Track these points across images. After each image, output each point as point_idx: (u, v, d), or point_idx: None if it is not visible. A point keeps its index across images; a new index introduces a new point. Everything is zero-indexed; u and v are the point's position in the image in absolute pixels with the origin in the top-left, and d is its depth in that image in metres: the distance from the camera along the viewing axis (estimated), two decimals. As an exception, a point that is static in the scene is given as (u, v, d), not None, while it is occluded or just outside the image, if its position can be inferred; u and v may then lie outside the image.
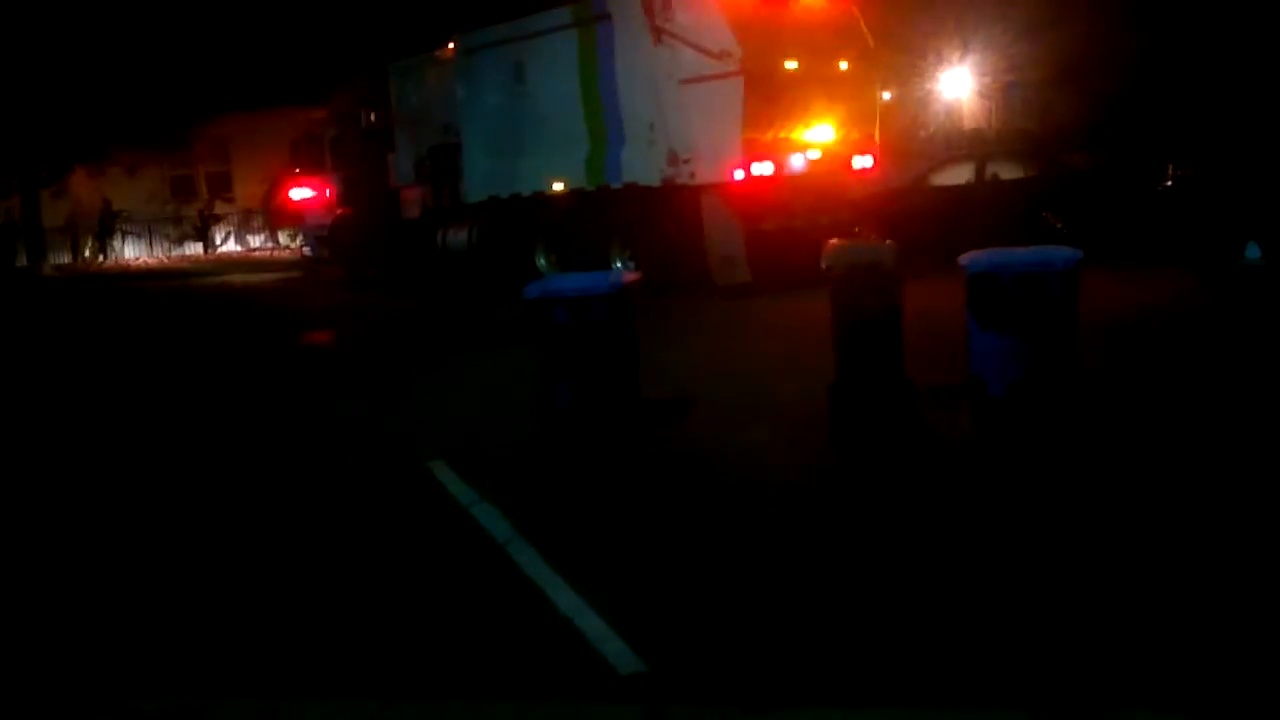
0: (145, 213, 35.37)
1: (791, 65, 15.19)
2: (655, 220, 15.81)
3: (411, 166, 20.72)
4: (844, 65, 15.83)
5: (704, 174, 15.14)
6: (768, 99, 14.91)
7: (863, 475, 7.07)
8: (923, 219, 15.25)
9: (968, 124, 22.73)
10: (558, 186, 17.31)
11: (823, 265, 8.03)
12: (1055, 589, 4.96)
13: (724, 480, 7.03)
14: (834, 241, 8.20)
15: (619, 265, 15.99)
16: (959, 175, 17.28)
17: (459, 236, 19.51)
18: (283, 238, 34.88)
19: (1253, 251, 7.10)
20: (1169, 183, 16.98)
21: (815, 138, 15.54)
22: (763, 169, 14.97)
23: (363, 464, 8.19)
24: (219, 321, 18.55)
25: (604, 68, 16.32)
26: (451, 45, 19.31)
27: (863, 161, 16.06)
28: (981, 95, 23.19)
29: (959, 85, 22.83)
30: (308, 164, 23.75)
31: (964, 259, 7.58)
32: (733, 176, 14.88)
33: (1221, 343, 7.29)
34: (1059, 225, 16.11)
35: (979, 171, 17.22)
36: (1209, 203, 7.86)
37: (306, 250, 25.44)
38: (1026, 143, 18.36)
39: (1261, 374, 8.07)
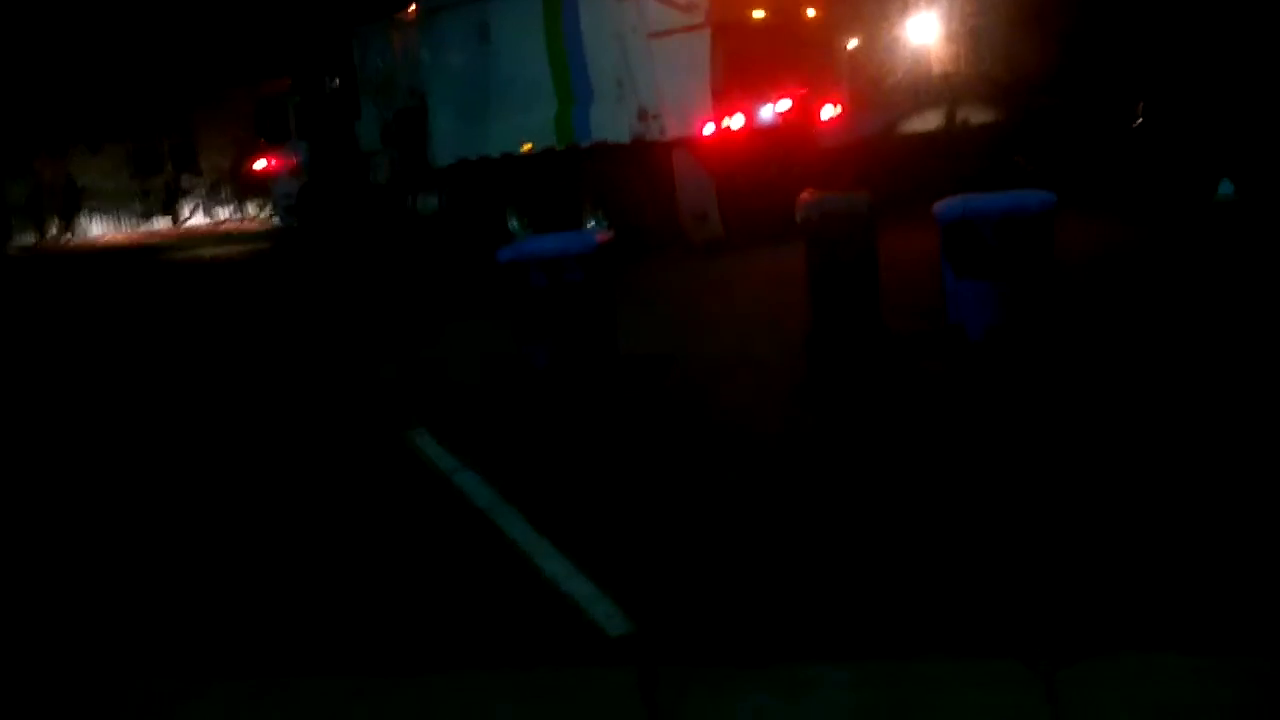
0: (110, 188, 34.97)
1: (759, 16, 15.03)
2: (626, 178, 15.69)
3: (378, 131, 20.49)
4: (810, 14, 15.67)
5: (674, 129, 15.00)
6: (736, 51, 14.74)
7: (843, 424, 7.06)
8: (894, 166, 15.18)
9: (936, 69, 22.61)
10: (526, 147, 17.10)
11: (797, 217, 8.00)
12: (1040, 531, 4.97)
13: (705, 435, 7.02)
14: (807, 192, 8.15)
15: (591, 224, 15.88)
16: (929, 122, 17.21)
17: (428, 200, 19.38)
18: (250, 208, 34.56)
19: (1225, 188, 7.08)
20: (1139, 121, 16.98)
21: (784, 89, 15.39)
22: (733, 122, 14.82)
23: (341, 434, 8.13)
24: (191, 296, 18.38)
25: (569, 24, 16.10)
26: (414, 7, 19.06)
27: (832, 111, 15.93)
28: (948, 40, 23.06)
29: (926, 30, 22.69)
30: (274, 132, 23.47)
31: (938, 206, 7.58)
32: (703, 131, 14.75)
33: (1197, 280, 7.30)
34: (1030, 168, 16.09)
35: (948, 117, 17.16)
36: (1181, 140, 7.85)
37: (276, 219, 25.24)
38: (995, 87, 18.28)
39: (1235, 310, 8.09)
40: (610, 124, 15.68)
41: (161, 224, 35.41)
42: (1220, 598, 4.16)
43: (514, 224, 17.54)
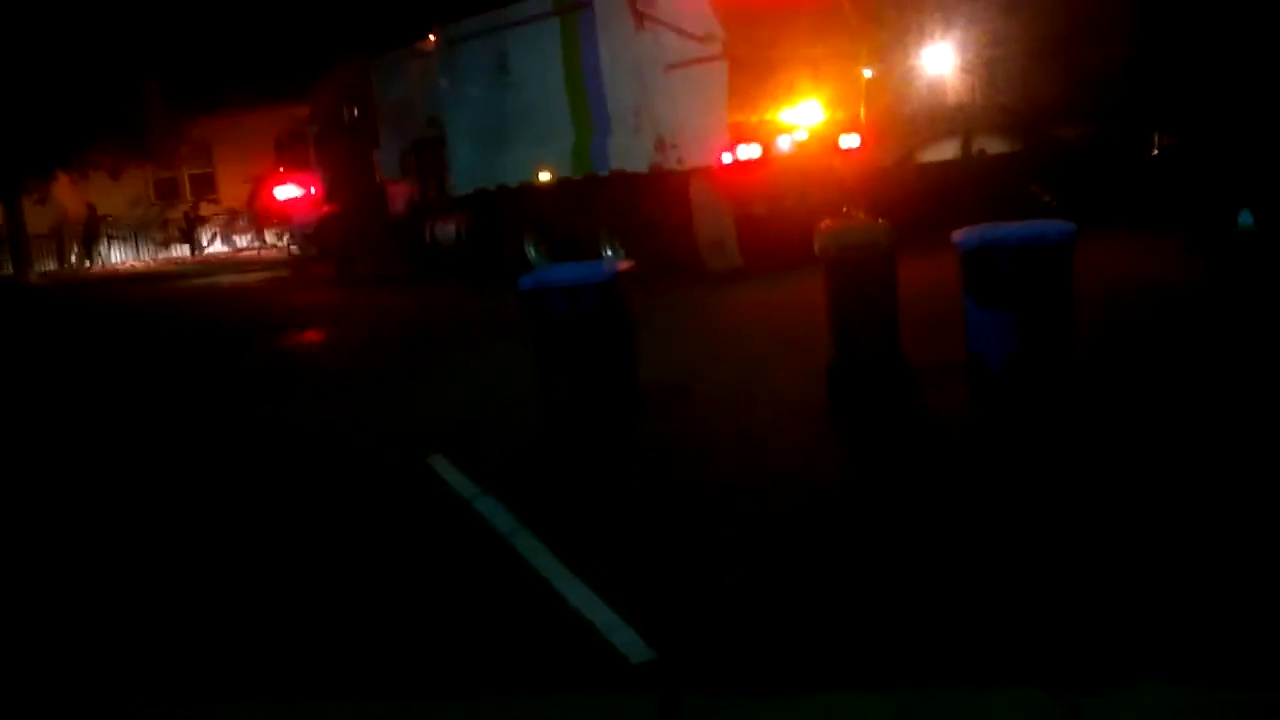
0: (130, 217, 35.26)
1: (775, 46, 15.04)
2: (644, 207, 15.71)
3: (397, 161, 20.59)
4: (828, 44, 15.69)
5: (691, 159, 15.03)
6: (753, 81, 14.77)
7: (863, 456, 7.07)
8: (911, 197, 15.20)
9: (951, 99, 22.69)
10: (544, 176, 17.19)
11: (815, 247, 8.04)
12: (1061, 563, 4.96)
13: (725, 466, 7.01)
14: (826, 223, 8.19)
15: (609, 253, 15.91)
16: (944, 151, 17.25)
17: (447, 230, 19.41)
18: (269, 237, 34.77)
19: (1245, 219, 7.09)
20: (1156, 152, 16.99)
21: (801, 119, 15.42)
22: (750, 152, 14.85)
23: (362, 461, 8.17)
24: (212, 322, 18.46)
25: (587, 55, 16.19)
26: (433, 37, 19.17)
27: (849, 141, 15.92)
28: (964, 70, 23.15)
29: (941, 60, 22.78)
30: (292, 162, 23.58)
31: (957, 236, 7.58)
32: (720, 160, 14.78)
33: (1218, 312, 7.30)
34: (1047, 198, 16.11)
35: (965, 147, 17.20)
36: (1199, 171, 7.85)
37: (293, 248, 25.29)
38: (1011, 117, 18.34)
39: (1257, 342, 8.07)
40: (628, 154, 15.73)
41: (181, 252, 35.65)
42: (1244, 632, 4.15)
43: (532, 253, 17.60)
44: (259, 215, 33.38)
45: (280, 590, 5.72)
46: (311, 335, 15.83)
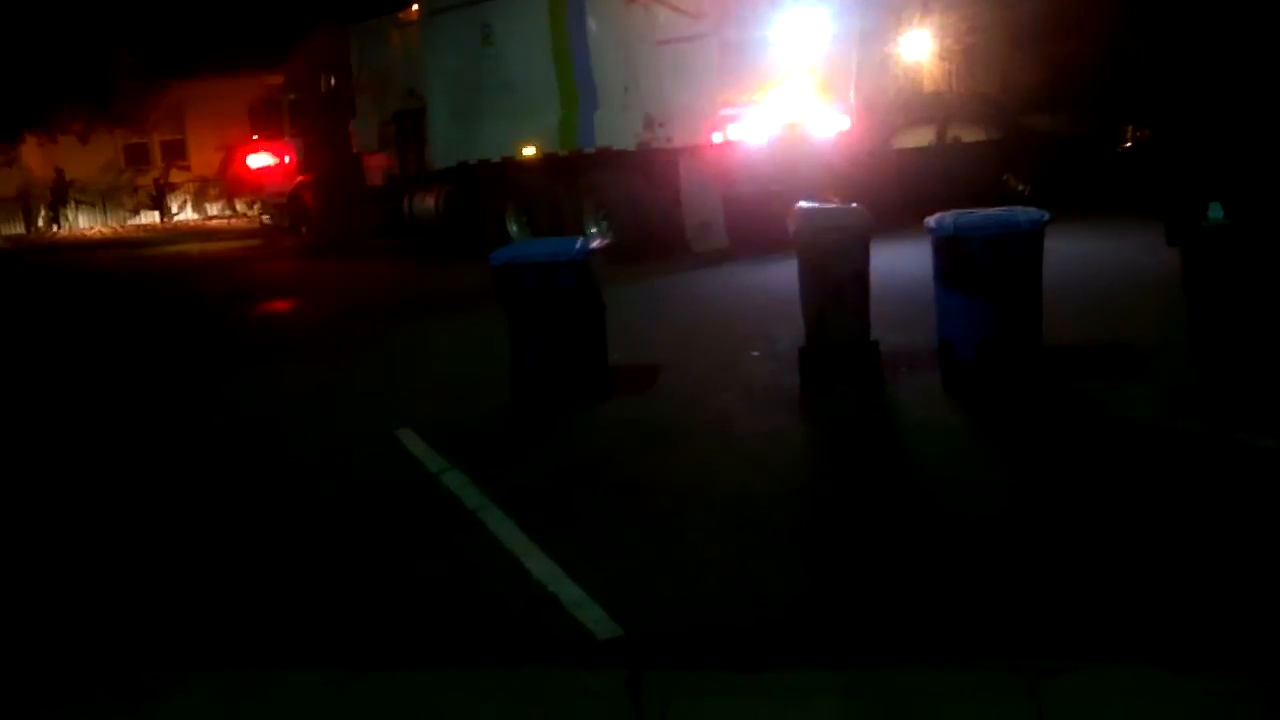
0: (99, 182, 34.90)
1: (768, 24, 14.86)
2: (630, 185, 15.53)
3: (375, 132, 20.34)
4: (821, 24, 15.40)
5: (681, 137, 14.82)
6: (745, 59, 14.61)
7: (832, 438, 7.10)
8: (887, 182, 15.24)
9: (928, 87, 22.75)
10: (528, 151, 16.90)
11: (790, 229, 8.05)
12: (1023, 546, 5.02)
13: (691, 445, 7.03)
14: (801, 206, 8.20)
15: (593, 230, 15.70)
16: (920, 138, 17.32)
17: (426, 203, 19.21)
18: (239, 206, 34.52)
19: (1216, 212, 7.14)
20: (1128, 144, 17.14)
21: (792, 100, 15.20)
22: (741, 132, 14.68)
23: (329, 434, 8.13)
24: (179, 290, 18.31)
25: (575, 29, 15.97)
26: (415, 7, 18.90)
27: (840, 123, 15.73)
28: (942, 58, 23.20)
29: (919, 48, 22.81)
30: (266, 130, 23.24)
31: (930, 221, 7.62)
32: (710, 139, 14.60)
33: (1187, 301, 7.39)
34: (1021, 187, 16.23)
35: (940, 134, 17.28)
36: (1170, 163, 7.91)
37: (265, 218, 25.00)
38: (987, 105, 18.43)
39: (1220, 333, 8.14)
40: (616, 130, 15.53)
41: (150, 219, 35.32)
42: (1211, 616, 4.21)
43: (514, 228, 17.39)
44: (230, 183, 33.10)
45: (245, 563, 5.70)
46: (280, 305, 15.74)
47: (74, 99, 29.49)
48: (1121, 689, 3.72)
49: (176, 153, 35.94)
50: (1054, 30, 17.87)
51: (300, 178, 22.44)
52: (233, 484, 7.10)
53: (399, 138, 19.77)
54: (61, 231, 34.00)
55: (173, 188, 35.60)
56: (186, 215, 35.78)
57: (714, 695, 3.96)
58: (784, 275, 9.42)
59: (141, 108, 32.56)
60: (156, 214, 35.39)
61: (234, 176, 30.40)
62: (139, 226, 34.68)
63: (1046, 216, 7.41)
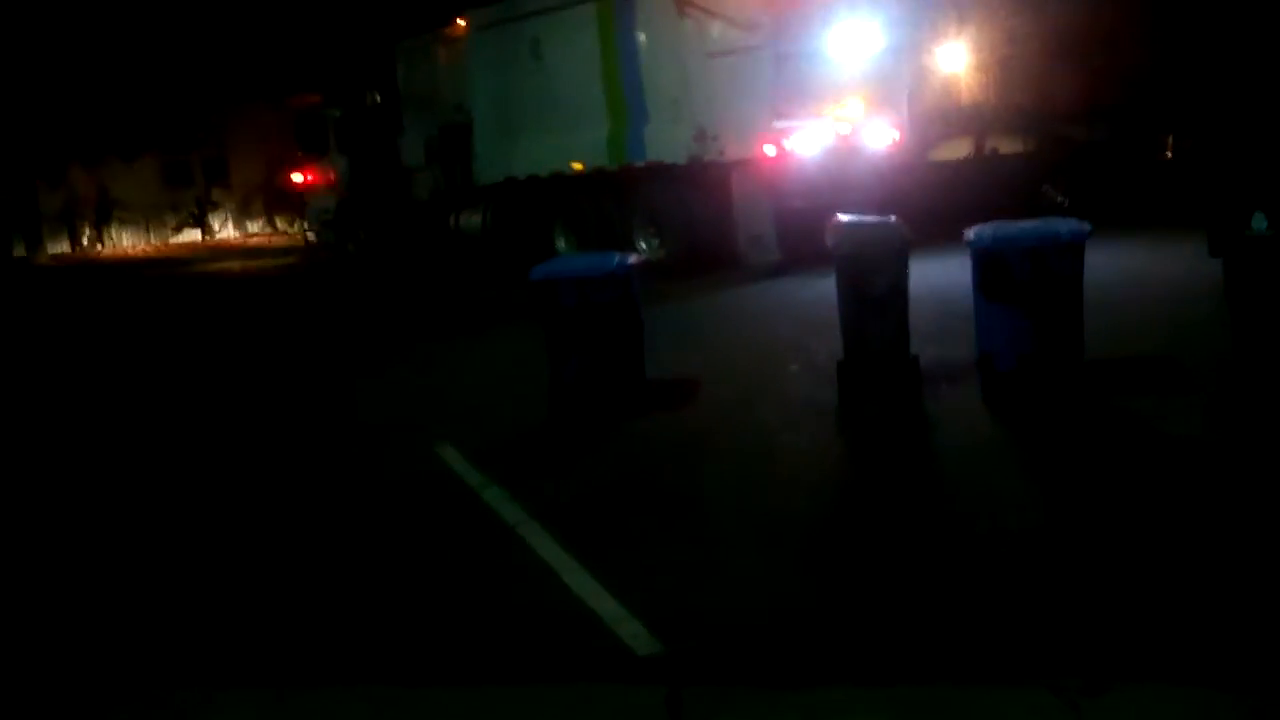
0: (142, 200, 35.31)
1: (821, 36, 14.71)
2: (682, 199, 15.41)
3: (421, 147, 20.26)
4: (873, 36, 15.21)
5: (733, 150, 14.68)
6: (798, 72, 14.49)
7: (869, 453, 7.07)
8: (926, 194, 15.14)
9: (965, 98, 22.65)
10: (577, 166, 16.79)
11: (829, 244, 8.03)
12: (1065, 563, 4.97)
13: (729, 459, 7.03)
14: (839, 220, 8.19)
15: (643, 245, 15.59)
16: (958, 151, 17.21)
17: (473, 218, 19.15)
18: (280, 223, 34.83)
19: (1259, 222, 7.07)
20: (1169, 154, 16.98)
21: (844, 112, 15.00)
22: (794, 144, 14.51)
23: (370, 449, 8.18)
24: (225, 306, 18.48)
25: (624, 42, 15.88)
26: (462, 22, 18.87)
27: (890, 135, 15.52)
28: (978, 69, 23.08)
29: (956, 60, 22.72)
30: (311, 146, 23.17)
31: (969, 234, 7.57)
32: (763, 152, 14.43)
33: (1231, 313, 7.32)
34: (1060, 198, 16.10)
35: (978, 147, 17.17)
36: (1212, 174, 7.83)
37: (311, 235, 24.84)
38: (1025, 116, 18.30)
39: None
40: (666, 144, 15.40)
41: (192, 236, 35.72)
42: (1246, 634, 4.16)
43: (562, 244, 17.25)
44: (271, 200, 33.36)
45: (288, 578, 5.73)
46: (325, 320, 15.81)
47: (120, 122, 29.88)
48: (1163, 708, 3.68)
49: (218, 171, 36.34)
50: (1093, 40, 17.74)
51: (346, 194, 22.41)
52: (271, 501, 7.15)
53: (445, 153, 19.69)
54: (105, 249, 34.44)
55: (214, 206, 35.99)
56: (228, 232, 36.16)
57: (755, 711, 3.94)
58: (834, 289, 9.37)
59: (184, 127, 32.96)
60: (199, 231, 35.79)
61: (275, 193, 30.49)
62: (181, 244, 35.08)
63: (1087, 228, 7.35)
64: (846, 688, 4.03)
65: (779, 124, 14.39)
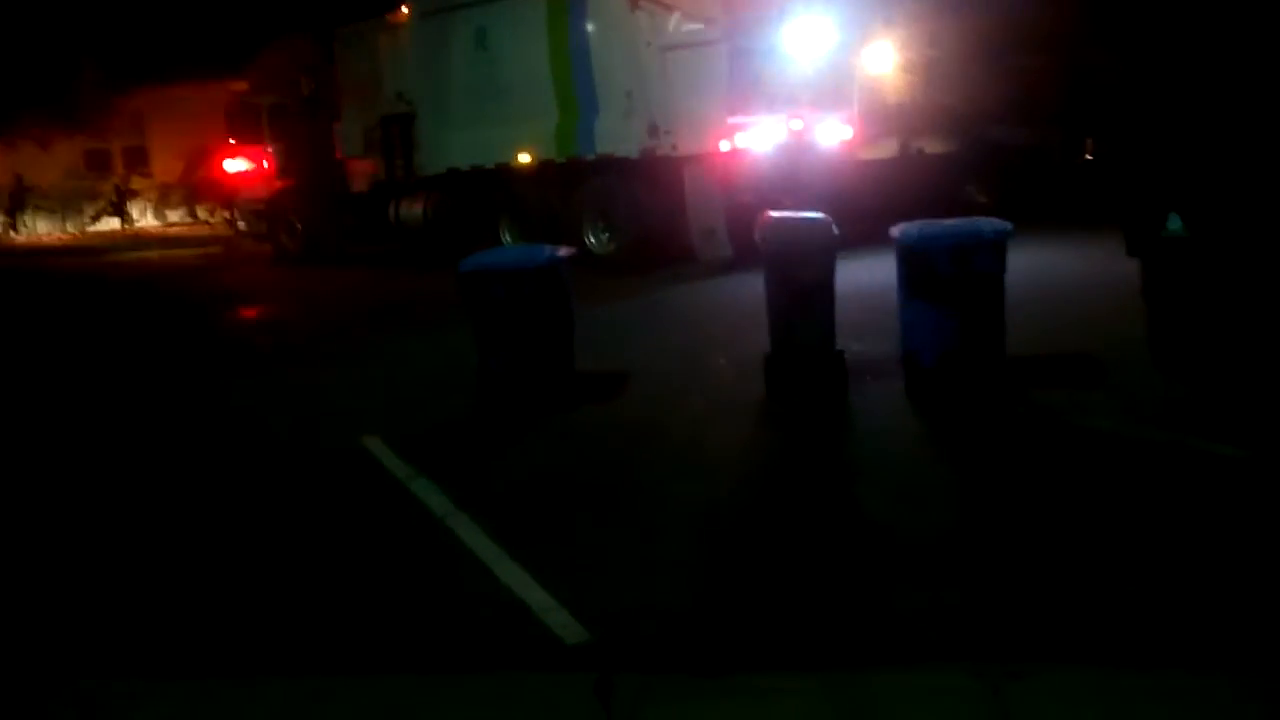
0: (59, 188, 34.51)
1: (777, 31, 14.68)
2: (633, 193, 15.26)
3: (361, 137, 19.64)
4: (827, 32, 15.20)
5: (686, 145, 14.59)
6: (754, 67, 14.45)
7: (792, 445, 7.15)
8: (852, 192, 15.27)
9: (891, 99, 22.94)
10: (524, 158, 16.56)
11: (756, 237, 8.12)
12: (980, 547, 5.12)
13: (656, 450, 7.08)
14: (768, 215, 8.27)
15: (592, 240, 15.52)
16: (884, 150, 17.42)
17: (414, 210, 18.72)
18: (201, 212, 34.25)
19: (1174, 223, 7.29)
20: (1089, 157, 17.36)
21: (799, 107, 15.04)
22: (749, 140, 14.46)
23: (294, 441, 8.10)
24: (146, 298, 18.09)
25: (575, 33, 15.68)
26: (405, 9, 18.42)
27: (842, 132, 15.56)
28: (905, 70, 23.39)
29: (882, 60, 22.99)
30: (242, 134, 22.31)
31: (894, 231, 7.70)
32: (718, 147, 14.35)
33: (1147, 310, 7.55)
34: (983, 198, 16.39)
35: (903, 146, 17.40)
36: (1128, 175, 8.04)
37: (240, 225, 23.90)
38: (950, 118, 18.58)
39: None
40: (618, 137, 15.27)
41: (110, 225, 34.98)
42: (1158, 616, 4.29)
43: (507, 238, 16.93)
44: (199, 189, 32.71)
45: (212, 570, 5.67)
46: (251, 313, 15.60)
47: (35, 106, 29.16)
48: (1084, 689, 3.79)
49: (138, 159, 35.62)
50: (1016, 43, 18.06)
51: (280, 183, 21.70)
52: (195, 493, 7.06)
53: (386, 142, 19.23)
54: (20, 237, 33.62)
55: (134, 194, 35.27)
56: (148, 222, 35.46)
57: (684, 699, 3.99)
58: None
59: (104, 114, 32.25)
60: (117, 220, 35.06)
61: (208, 181, 29.58)
62: (99, 233, 34.33)
63: (1009, 227, 7.51)
64: (773, 673, 4.09)
65: (734, 119, 14.34)
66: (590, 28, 15.58)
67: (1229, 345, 7.28)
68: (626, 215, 15.39)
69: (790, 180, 14.35)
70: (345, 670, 4.44)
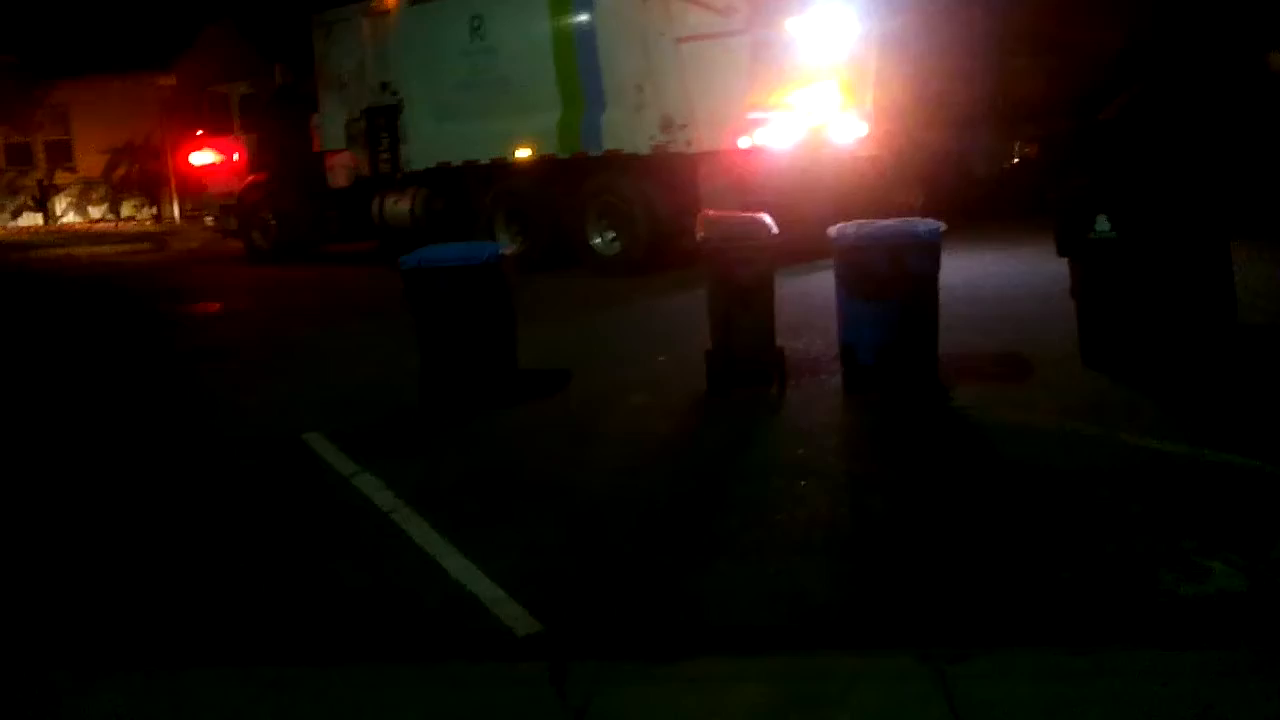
0: (-22, 182, 33.75)
1: (800, 22, 13.86)
2: (643, 192, 14.50)
3: (342, 129, 18.43)
4: (849, 23, 14.33)
5: (702, 141, 13.80)
6: (776, 60, 13.62)
7: (731, 439, 7.25)
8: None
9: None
10: (523, 154, 15.66)
11: (697, 236, 8.23)
12: (913, 535, 5.28)
13: (597, 445, 7.17)
14: (708, 213, 8.38)
15: (598, 240, 14.95)
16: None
17: (400, 207, 17.57)
18: (127, 208, 33.68)
19: (1103, 225, 7.52)
20: (1016, 160, 17.73)
21: (818, 102, 14.14)
22: (768, 136, 13.66)
23: (231, 440, 8.01)
24: (85, 293, 17.67)
25: (579, 23, 14.82)
26: None
27: (858, 130, 14.65)
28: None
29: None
30: (211, 125, 21.24)
31: (832, 231, 7.86)
32: (736, 144, 13.60)
33: (1077, 309, 7.79)
34: (912, 201, 16.64)
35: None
36: (1058, 179, 8.28)
37: (209, 220, 22.74)
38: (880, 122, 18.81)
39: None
40: (627, 132, 14.50)
41: (33, 220, 34.25)
42: (1091, 600, 4.45)
43: (504, 237, 15.74)
44: (119, 185, 32.14)
45: (156, 566, 5.64)
46: (191, 310, 15.31)
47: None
48: (1023, 670, 3.93)
49: (62, 154, 34.90)
50: (943, 48, 18.36)
51: (252, 177, 20.37)
52: (134, 491, 6.99)
53: (369, 136, 17.92)
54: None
55: (57, 190, 34.56)
56: (71, 218, 34.77)
57: (636, 684, 4.07)
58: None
59: (26, 107, 31.56)
60: (40, 216, 34.34)
61: (177, 175, 28.29)
62: (21, 229, 33.60)
63: (943, 228, 7.69)
64: (722, 658, 4.19)
65: (753, 115, 13.60)
66: (597, 16, 14.65)
67: (1156, 343, 7.52)
68: (634, 215, 14.59)
69: (810, 179, 13.74)
70: (293, 662, 4.45)
